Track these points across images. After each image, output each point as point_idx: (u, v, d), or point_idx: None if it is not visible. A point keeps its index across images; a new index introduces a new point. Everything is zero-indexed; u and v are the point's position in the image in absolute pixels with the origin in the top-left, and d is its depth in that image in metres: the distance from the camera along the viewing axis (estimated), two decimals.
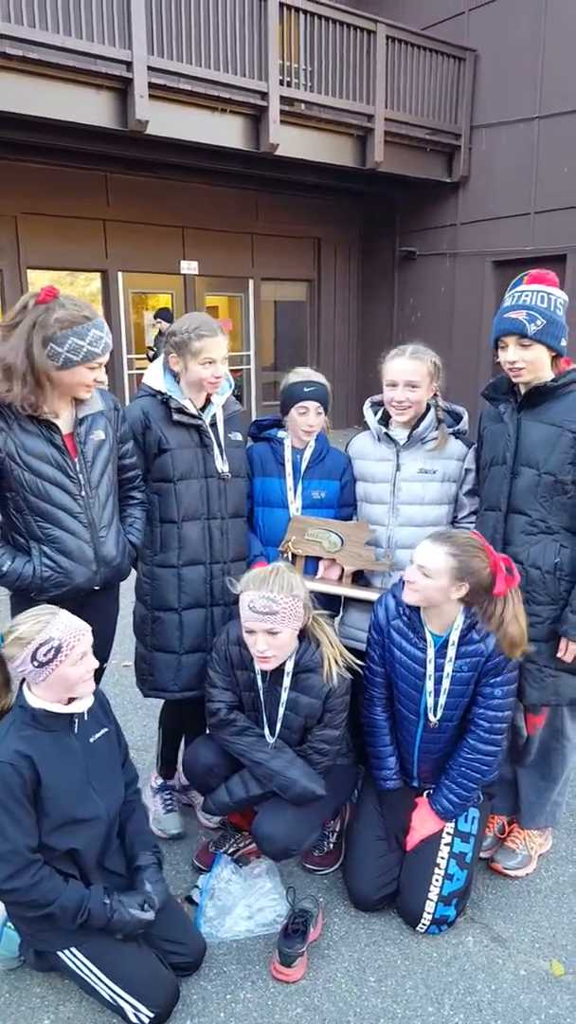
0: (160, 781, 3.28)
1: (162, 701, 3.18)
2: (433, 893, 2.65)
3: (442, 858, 2.70)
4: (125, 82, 8.13)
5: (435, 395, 3.02)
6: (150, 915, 2.34)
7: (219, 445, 2.90)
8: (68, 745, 2.34)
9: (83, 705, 2.37)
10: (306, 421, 3.04)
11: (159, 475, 2.87)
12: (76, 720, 2.37)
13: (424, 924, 2.65)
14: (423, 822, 2.78)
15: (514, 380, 2.69)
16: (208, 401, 2.92)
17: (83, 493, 2.57)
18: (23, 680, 2.32)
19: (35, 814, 2.23)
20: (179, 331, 2.79)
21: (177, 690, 2.98)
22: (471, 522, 3.00)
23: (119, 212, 10.81)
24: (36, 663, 2.22)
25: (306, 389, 3.04)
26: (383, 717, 2.86)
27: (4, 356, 2.41)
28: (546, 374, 2.65)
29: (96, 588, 2.66)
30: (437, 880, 2.66)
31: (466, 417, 3.09)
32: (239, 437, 3.01)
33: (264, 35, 9.07)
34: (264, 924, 2.67)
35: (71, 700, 2.34)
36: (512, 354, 2.62)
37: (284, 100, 9.42)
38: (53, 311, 2.41)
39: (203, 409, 2.89)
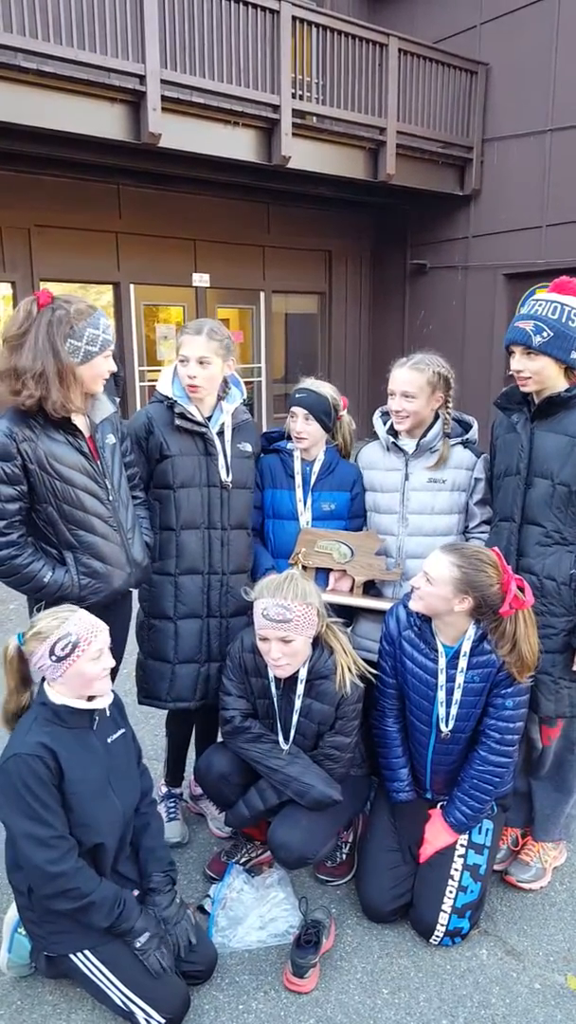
0: (165, 789, 3.27)
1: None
2: (447, 905, 2.63)
3: (456, 870, 2.68)
4: (138, 95, 8.18)
5: (444, 405, 3.00)
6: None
7: (225, 454, 2.88)
8: (88, 743, 2.35)
9: (103, 701, 2.38)
10: (294, 428, 3.05)
11: (159, 482, 2.86)
12: (96, 718, 2.38)
13: (438, 936, 2.63)
14: (436, 834, 2.76)
15: (521, 389, 2.70)
16: (217, 409, 2.91)
17: (110, 497, 2.57)
18: (43, 679, 2.35)
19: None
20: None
21: (169, 700, 2.94)
22: (483, 532, 2.99)
23: (131, 225, 10.86)
24: (54, 658, 2.25)
25: (296, 396, 3.07)
26: (395, 729, 2.85)
27: (25, 366, 2.35)
28: (558, 384, 2.64)
29: (129, 590, 2.65)
30: (451, 892, 2.64)
31: (475, 426, 3.08)
32: (248, 448, 2.97)
33: (277, 48, 9.13)
34: (276, 934, 2.66)
35: (91, 698, 2.36)
36: (517, 363, 2.64)
37: (296, 113, 9.46)
38: (62, 308, 2.40)
39: (210, 418, 2.88)
